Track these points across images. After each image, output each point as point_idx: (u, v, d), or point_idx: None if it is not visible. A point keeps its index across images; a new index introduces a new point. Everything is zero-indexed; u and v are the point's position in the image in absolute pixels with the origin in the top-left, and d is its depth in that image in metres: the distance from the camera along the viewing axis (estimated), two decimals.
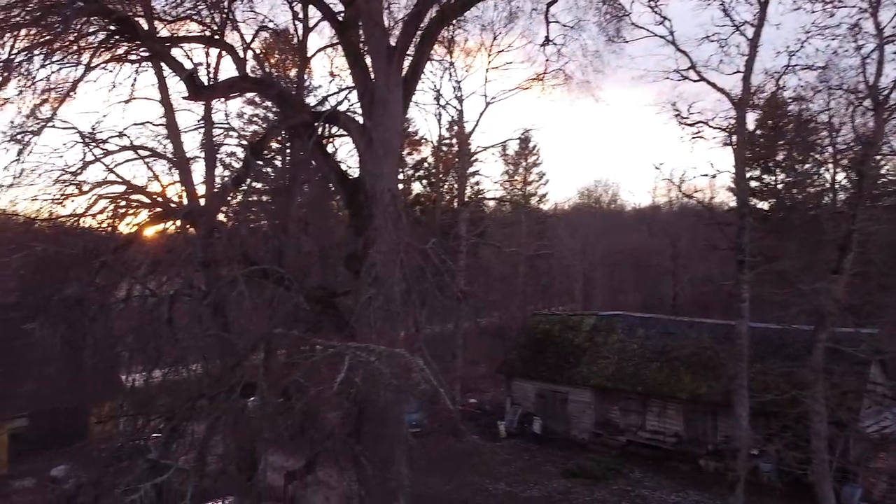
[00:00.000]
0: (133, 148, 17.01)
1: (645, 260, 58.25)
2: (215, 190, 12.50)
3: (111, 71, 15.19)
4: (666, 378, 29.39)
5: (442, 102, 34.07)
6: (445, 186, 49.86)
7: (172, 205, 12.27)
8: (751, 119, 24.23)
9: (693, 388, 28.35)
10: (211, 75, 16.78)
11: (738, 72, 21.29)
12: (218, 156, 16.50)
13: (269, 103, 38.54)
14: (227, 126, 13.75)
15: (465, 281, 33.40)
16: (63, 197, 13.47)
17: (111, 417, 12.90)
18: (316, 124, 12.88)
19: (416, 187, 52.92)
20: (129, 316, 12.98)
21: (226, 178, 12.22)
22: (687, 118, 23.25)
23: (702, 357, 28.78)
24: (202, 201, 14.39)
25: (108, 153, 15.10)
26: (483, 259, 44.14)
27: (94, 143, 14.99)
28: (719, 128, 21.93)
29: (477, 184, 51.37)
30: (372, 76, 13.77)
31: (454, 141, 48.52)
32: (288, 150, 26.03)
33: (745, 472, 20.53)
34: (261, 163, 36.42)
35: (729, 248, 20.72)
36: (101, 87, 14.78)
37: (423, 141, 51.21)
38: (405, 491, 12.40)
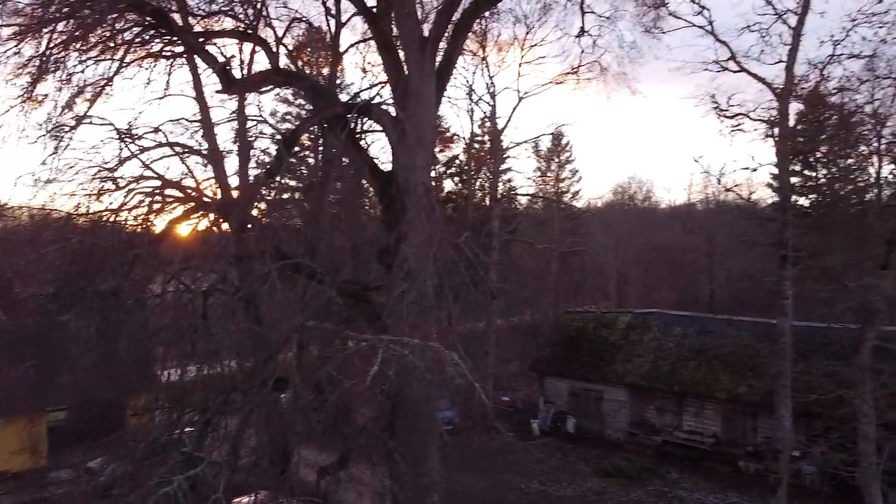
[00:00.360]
0: (168, 144, 17.17)
1: (680, 257, 57.17)
2: (248, 183, 12.44)
3: (146, 68, 15.35)
4: (703, 377, 28.73)
5: (474, 98, 33.76)
6: (477, 184, 49.60)
7: (206, 199, 12.23)
8: (792, 111, 23.55)
9: (732, 387, 27.66)
10: (244, 71, 16.77)
11: (781, 61, 20.69)
12: (251, 150, 16.48)
13: (301, 101, 38.75)
14: (260, 119, 13.65)
15: (497, 278, 33.09)
16: (100, 192, 13.59)
17: (146, 410, 13.02)
18: (348, 117, 12.74)
19: (448, 185, 52.77)
20: (164, 310, 13.04)
21: (258, 172, 12.11)
22: (726, 110, 22.67)
23: (741, 356, 28.07)
24: (235, 195, 14.36)
25: (144, 150, 15.24)
26: (515, 256, 43.75)
27: (130, 140, 15.14)
28: (761, 119, 21.31)
29: (509, 181, 51.04)
30: (405, 68, 13.60)
31: (486, 137, 48.26)
32: (321, 146, 26.00)
33: (787, 474, 19.93)
34: (293, 158, 36.67)
35: (770, 244, 20.12)
36: (136, 84, 14.92)
37: (454, 138, 51.04)
38: (438, 487, 12.21)
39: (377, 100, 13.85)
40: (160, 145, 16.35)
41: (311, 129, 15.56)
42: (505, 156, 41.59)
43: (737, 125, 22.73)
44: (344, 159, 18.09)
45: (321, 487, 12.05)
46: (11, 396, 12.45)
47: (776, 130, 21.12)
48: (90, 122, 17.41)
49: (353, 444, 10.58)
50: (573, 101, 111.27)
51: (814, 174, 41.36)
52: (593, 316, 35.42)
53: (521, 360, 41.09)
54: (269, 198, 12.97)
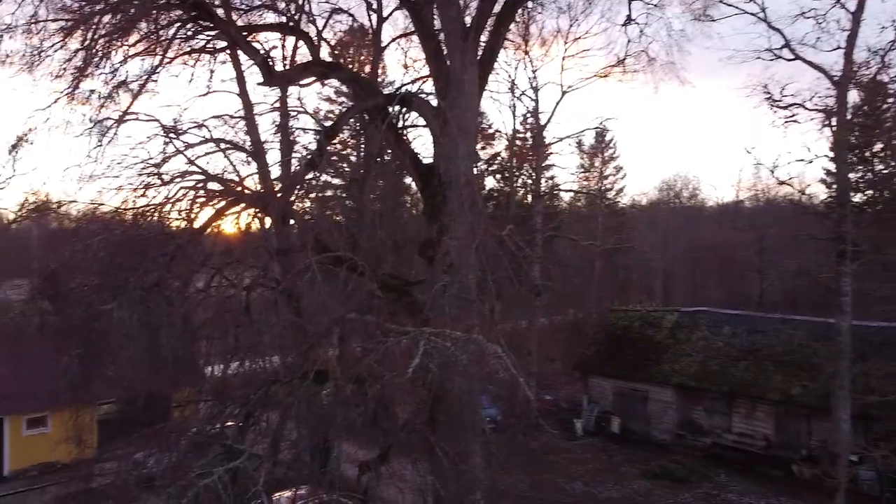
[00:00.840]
0: (213, 140, 17.29)
1: (728, 255, 55.69)
2: (289, 176, 12.36)
3: (190, 65, 15.46)
4: (754, 378, 27.79)
5: (517, 93, 33.33)
6: (519, 181, 49.11)
7: (247, 192, 12.19)
8: (850, 101, 22.54)
9: (785, 388, 26.67)
10: (286, 66, 16.75)
11: (839, 48, 19.81)
12: (293, 145, 16.47)
13: (343, 99, 38.90)
14: (301, 110, 13.59)
15: (540, 275, 32.61)
16: (145, 188, 13.72)
17: (189, 402, 13.09)
18: (389, 108, 12.55)
19: (490, 182, 52.38)
20: (207, 305, 13.08)
21: (299, 164, 12.01)
22: (780, 101, 21.84)
23: (795, 355, 27.11)
24: (276, 187, 14.32)
25: (189, 146, 15.35)
26: (558, 254, 43.15)
27: (175, 135, 15.26)
28: (817, 109, 20.42)
29: (552, 177, 50.39)
30: (447, 58, 13.35)
31: (529, 134, 47.72)
32: (362, 143, 25.92)
33: (845, 479, 19.07)
34: (335, 154, 36.83)
35: (829, 239, 19.26)
36: (180, 81, 15.06)
37: (496, 135, 50.65)
38: (481, 485, 11.93)
39: (418, 92, 13.57)
40: (205, 141, 16.49)
41: (353, 123, 15.39)
42: (548, 152, 41.09)
43: (791, 116, 21.89)
44: (385, 153, 17.93)
45: (362, 483, 11.86)
46: (59, 388, 12.61)
47: (833, 120, 20.22)
48: (136, 118, 17.78)
49: (394, 439, 10.37)
50: (618, 96, 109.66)
51: (870, 168, 39.73)
52: (639, 314, 34.65)
53: (565, 359, 40.52)
54: (310, 190, 12.80)
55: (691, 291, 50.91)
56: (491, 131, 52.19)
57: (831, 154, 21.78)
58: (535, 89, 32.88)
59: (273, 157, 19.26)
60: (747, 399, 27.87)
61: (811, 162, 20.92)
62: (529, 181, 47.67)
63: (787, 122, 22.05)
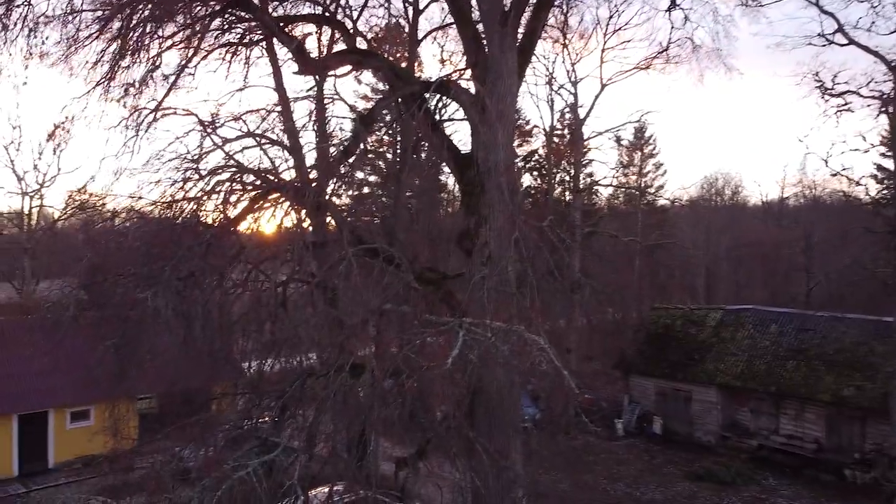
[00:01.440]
0: (250, 135, 17.24)
1: (774, 254, 54.15)
2: (325, 164, 12.15)
3: (226, 60, 15.39)
4: (804, 378, 26.79)
5: (555, 87, 32.75)
6: (557, 178, 48.41)
7: (281, 181, 12.00)
8: None
9: (837, 389, 25.65)
10: (322, 55, 16.58)
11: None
12: (330, 136, 16.31)
13: (380, 96, 38.81)
14: (336, 96, 13.38)
15: (579, 272, 32.02)
16: (183, 181, 13.69)
17: (224, 395, 13.01)
18: (426, 95, 12.24)
19: (527, 179, 51.75)
20: (242, 298, 12.96)
21: (335, 152, 11.78)
22: (831, 89, 20.96)
23: (848, 355, 26.08)
24: (312, 174, 14.13)
25: (226, 140, 15.31)
26: (597, 251, 42.39)
27: (212, 129, 15.22)
28: (872, 96, 19.52)
29: (591, 174, 49.51)
30: (485, 45, 13.00)
31: (566, 131, 46.98)
32: (398, 139, 25.66)
33: None
34: (371, 153, 36.72)
35: (885, 232, 18.35)
36: (217, 77, 14.99)
37: (534, 131, 50.03)
38: (522, 482, 11.54)
39: (456, 79, 13.24)
40: (241, 136, 16.44)
41: (388, 116, 15.08)
42: (586, 149, 40.30)
43: (843, 105, 21.00)
44: (421, 147, 17.63)
45: (399, 480, 11.56)
46: (95, 378, 12.62)
47: (891, 108, 19.30)
48: (174, 113, 17.83)
49: (431, 435, 10.05)
50: (659, 91, 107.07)
51: None
52: (681, 313, 33.75)
53: (604, 359, 39.74)
54: (345, 179, 12.56)
55: (735, 291, 49.56)
56: (528, 128, 51.80)
57: (888, 140, 20.79)
58: (574, 83, 32.35)
59: (309, 151, 19.18)
60: (796, 400, 26.88)
61: (867, 151, 19.99)
62: (567, 178, 47.05)
63: (839, 111, 21.17)
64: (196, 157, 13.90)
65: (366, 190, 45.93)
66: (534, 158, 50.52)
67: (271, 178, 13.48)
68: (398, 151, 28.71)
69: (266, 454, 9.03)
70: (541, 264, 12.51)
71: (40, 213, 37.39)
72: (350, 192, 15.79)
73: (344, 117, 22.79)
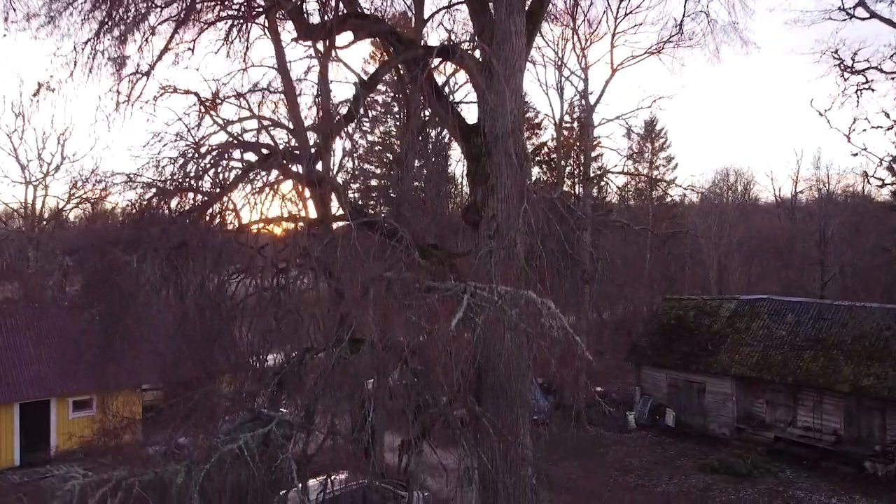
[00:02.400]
0: (253, 116, 16.75)
1: (786, 247, 53.21)
2: (328, 122, 11.60)
3: (227, 41, 14.88)
4: (822, 368, 26.05)
5: (565, 73, 32.05)
6: (567, 171, 47.66)
7: (278, 147, 11.48)
8: None
9: (856, 379, 24.90)
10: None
11: None
12: (332, 113, 15.75)
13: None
14: (336, 59, 12.79)
15: (589, 263, 31.32)
16: (184, 159, 13.25)
17: (222, 373, 12.50)
18: (430, 59, 11.68)
19: (536, 172, 51.02)
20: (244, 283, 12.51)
21: (336, 118, 11.22)
22: (851, 66, 20.26)
23: (866, 344, 25.34)
24: (312, 137, 13.57)
25: (228, 123, 14.84)
26: (608, 243, 41.69)
27: (211, 107, 14.74)
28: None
29: (601, 167, 48.66)
30: (492, 10, 12.43)
31: (576, 123, 46.23)
32: (403, 110, 24.63)
33: None
34: (378, 142, 36.15)
35: None
36: (218, 59, 14.45)
37: (544, 122, 49.33)
38: (531, 461, 10.97)
39: (461, 42, 12.67)
40: (244, 118, 15.98)
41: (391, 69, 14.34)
42: (596, 141, 39.41)
43: (864, 83, 20.30)
44: (426, 123, 17.06)
45: (403, 464, 10.98)
46: (85, 353, 12.14)
47: None
48: (173, 91, 17.35)
49: (435, 411, 9.48)
50: (670, 78, 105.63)
51: None
52: (694, 303, 33.03)
53: (615, 352, 39.05)
54: (348, 139, 12.01)
55: (747, 284, 48.60)
56: (538, 120, 51.08)
57: None
58: (584, 68, 31.65)
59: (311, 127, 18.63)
60: (814, 391, 26.14)
61: (890, 128, 19.21)
62: (578, 169, 46.26)
63: (859, 89, 20.47)
64: (196, 138, 13.46)
65: (373, 183, 45.50)
66: (542, 151, 49.90)
67: (270, 150, 13.00)
68: (404, 132, 27.85)
69: (260, 428, 8.49)
70: (551, 238, 11.94)
71: (45, 203, 37.13)
72: (352, 163, 15.22)
73: (345, 81, 22.22)
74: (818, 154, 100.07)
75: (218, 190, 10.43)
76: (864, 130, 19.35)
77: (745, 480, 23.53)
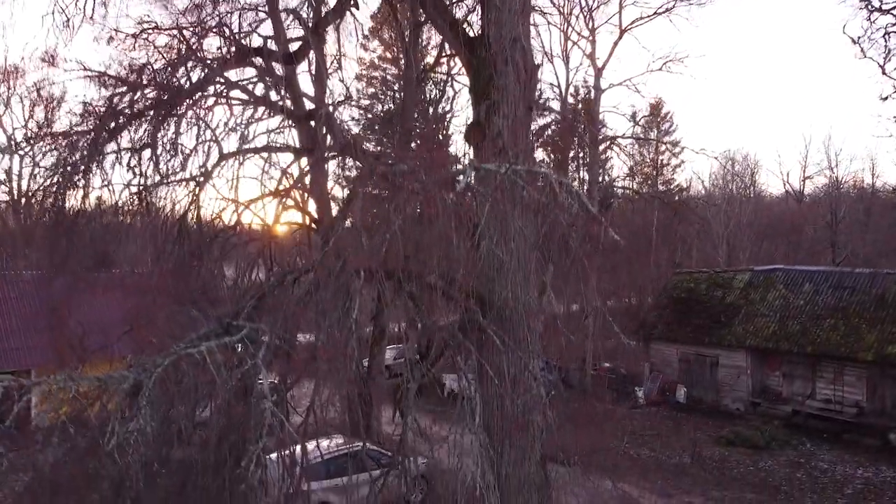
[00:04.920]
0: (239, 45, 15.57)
1: (796, 229, 51.95)
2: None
3: None
4: (843, 337, 24.79)
5: (571, 36, 30.71)
6: (571, 153, 46.38)
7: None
8: None
9: (880, 347, 23.64)
10: None
11: None
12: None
13: (388, 67, 36.95)
14: None
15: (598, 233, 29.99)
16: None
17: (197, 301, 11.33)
18: None
19: (539, 155, 49.75)
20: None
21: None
22: (879, 6, 18.97)
23: (890, 311, 24.11)
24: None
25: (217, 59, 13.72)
26: (614, 223, 40.37)
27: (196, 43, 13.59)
28: None
29: (608, 163, 47.08)
30: None
31: (583, 85, 44.67)
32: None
33: None
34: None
35: None
36: None
37: (547, 104, 48.10)
38: (541, 403, 9.73)
39: None
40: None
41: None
42: (603, 129, 37.89)
43: (893, 24, 18.98)
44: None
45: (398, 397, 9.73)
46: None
47: None
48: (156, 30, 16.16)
49: (434, 330, 8.27)
50: (680, 42, 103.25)
51: None
52: (706, 276, 31.77)
53: (623, 329, 37.64)
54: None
55: (757, 263, 47.38)
56: (542, 101, 49.79)
57: None
58: (592, 30, 30.34)
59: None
60: (834, 361, 24.87)
61: None
62: (582, 152, 44.97)
63: (888, 33, 19.14)
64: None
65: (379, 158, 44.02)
66: (546, 134, 48.64)
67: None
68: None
69: (227, 338, 7.29)
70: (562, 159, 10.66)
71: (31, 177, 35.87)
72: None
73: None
74: (829, 137, 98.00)
75: (188, 86, 9.21)
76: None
77: (763, 452, 22.29)
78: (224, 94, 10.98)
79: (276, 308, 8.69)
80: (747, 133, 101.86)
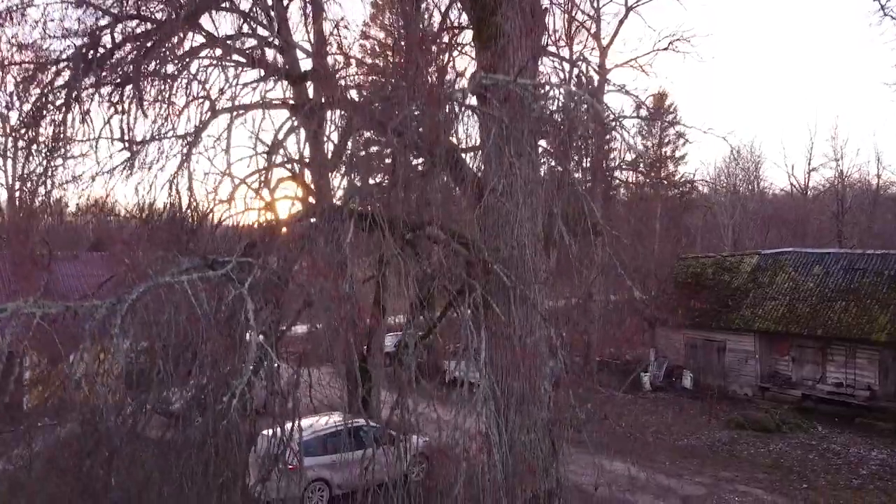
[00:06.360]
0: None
1: (802, 219, 51.34)
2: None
3: None
4: (855, 319, 24.18)
5: (574, 13, 29.88)
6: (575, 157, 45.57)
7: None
8: None
9: (893, 329, 23.03)
10: None
11: None
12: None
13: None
14: None
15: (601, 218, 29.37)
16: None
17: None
18: None
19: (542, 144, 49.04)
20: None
21: None
22: None
23: None
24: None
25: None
26: (616, 212, 39.75)
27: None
28: None
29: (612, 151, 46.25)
30: None
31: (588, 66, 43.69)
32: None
33: None
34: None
35: None
36: None
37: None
38: (547, 367, 9.18)
39: None
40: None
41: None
42: (607, 114, 36.86)
43: None
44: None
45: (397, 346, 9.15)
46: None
47: None
48: None
49: (433, 270, 7.70)
50: (687, 19, 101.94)
51: None
52: (712, 260, 31.16)
53: (624, 320, 37.01)
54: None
55: None
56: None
57: None
58: (597, 8, 29.70)
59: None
60: (845, 344, 24.26)
61: None
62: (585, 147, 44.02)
63: None
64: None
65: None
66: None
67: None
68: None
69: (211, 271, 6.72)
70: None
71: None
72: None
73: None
74: (835, 127, 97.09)
75: (174, 16, 8.61)
76: None
77: (774, 435, 21.70)
78: (208, 46, 10.39)
79: (268, 248, 8.14)
80: (752, 125, 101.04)
